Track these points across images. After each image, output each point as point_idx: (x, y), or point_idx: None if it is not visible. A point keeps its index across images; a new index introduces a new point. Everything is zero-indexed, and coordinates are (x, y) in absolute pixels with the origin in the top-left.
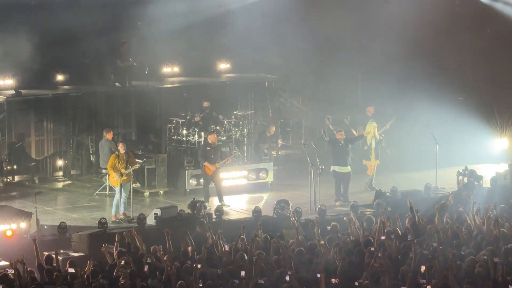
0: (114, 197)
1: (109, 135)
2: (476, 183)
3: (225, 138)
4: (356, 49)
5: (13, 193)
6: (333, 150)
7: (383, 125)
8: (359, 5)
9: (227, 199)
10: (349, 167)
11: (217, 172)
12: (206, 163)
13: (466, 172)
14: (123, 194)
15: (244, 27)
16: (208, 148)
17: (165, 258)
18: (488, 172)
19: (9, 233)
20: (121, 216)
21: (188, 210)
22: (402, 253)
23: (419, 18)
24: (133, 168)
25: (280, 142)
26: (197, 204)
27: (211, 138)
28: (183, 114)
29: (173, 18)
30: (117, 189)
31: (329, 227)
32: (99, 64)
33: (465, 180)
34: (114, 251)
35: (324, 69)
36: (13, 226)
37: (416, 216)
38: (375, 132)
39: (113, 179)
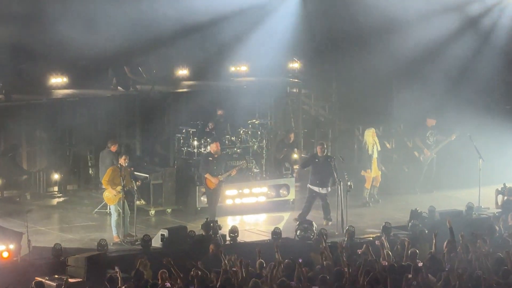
0: (112, 217)
1: (113, 147)
2: None
3: (240, 150)
4: (390, 51)
5: (1, 211)
6: (311, 166)
7: (447, 137)
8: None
9: (243, 218)
10: (325, 188)
11: (220, 186)
12: (207, 175)
13: (505, 190)
14: (124, 212)
15: (262, 27)
16: (210, 158)
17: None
18: None
19: (5, 254)
20: (123, 237)
21: (201, 231)
22: (443, 284)
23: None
24: (134, 186)
25: (296, 151)
26: (212, 224)
27: (213, 147)
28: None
29: (184, 16)
30: (113, 207)
31: (359, 251)
32: (98, 65)
33: (505, 198)
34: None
35: (353, 73)
36: (11, 246)
37: (460, 242)
38: (375, 140)
39: (107, 196)
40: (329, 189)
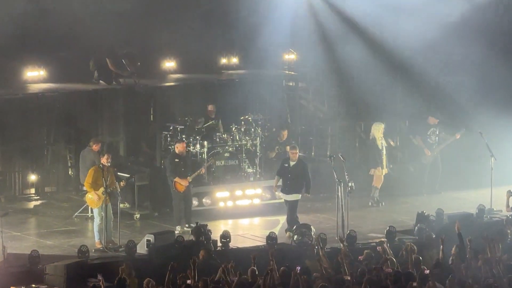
0: (94, 221)
1: (95, 146)
2: None
3: (232, 149)
4: (393, 40)
5: None
6: (279, 170)
7: (451, 136)
8: None
9: (235, 222)
10: (295, 195)
11: (189, 188)
12: (177, 179)
13: None
14: (107, 216)
15: (256, 16)
16: (176, 160)
17: None
18: None
19: None
20: (106, 243)
21: (191, 237)
22: None
23: None
24: (118, 188)
25: (288, 148)
26: (202, 229)
27: (179, 147)
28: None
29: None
30: (96, 211)
31: (361, 257)
32: (79, 58)
33: None
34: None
35: (355, 65)
36: None
37: (468, 247)
38: (382, 136)
39: (91, 199)
40: (300, 195)
